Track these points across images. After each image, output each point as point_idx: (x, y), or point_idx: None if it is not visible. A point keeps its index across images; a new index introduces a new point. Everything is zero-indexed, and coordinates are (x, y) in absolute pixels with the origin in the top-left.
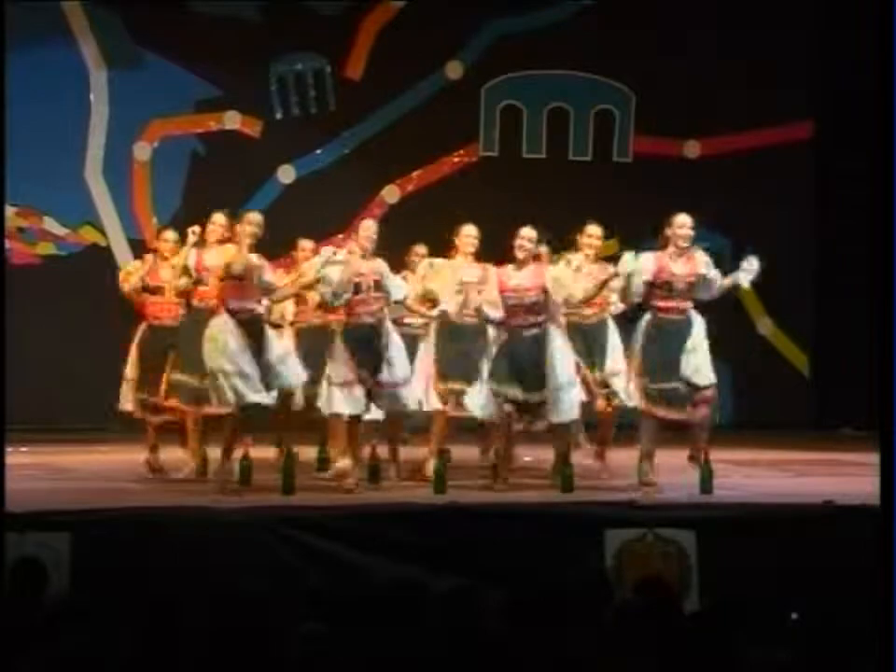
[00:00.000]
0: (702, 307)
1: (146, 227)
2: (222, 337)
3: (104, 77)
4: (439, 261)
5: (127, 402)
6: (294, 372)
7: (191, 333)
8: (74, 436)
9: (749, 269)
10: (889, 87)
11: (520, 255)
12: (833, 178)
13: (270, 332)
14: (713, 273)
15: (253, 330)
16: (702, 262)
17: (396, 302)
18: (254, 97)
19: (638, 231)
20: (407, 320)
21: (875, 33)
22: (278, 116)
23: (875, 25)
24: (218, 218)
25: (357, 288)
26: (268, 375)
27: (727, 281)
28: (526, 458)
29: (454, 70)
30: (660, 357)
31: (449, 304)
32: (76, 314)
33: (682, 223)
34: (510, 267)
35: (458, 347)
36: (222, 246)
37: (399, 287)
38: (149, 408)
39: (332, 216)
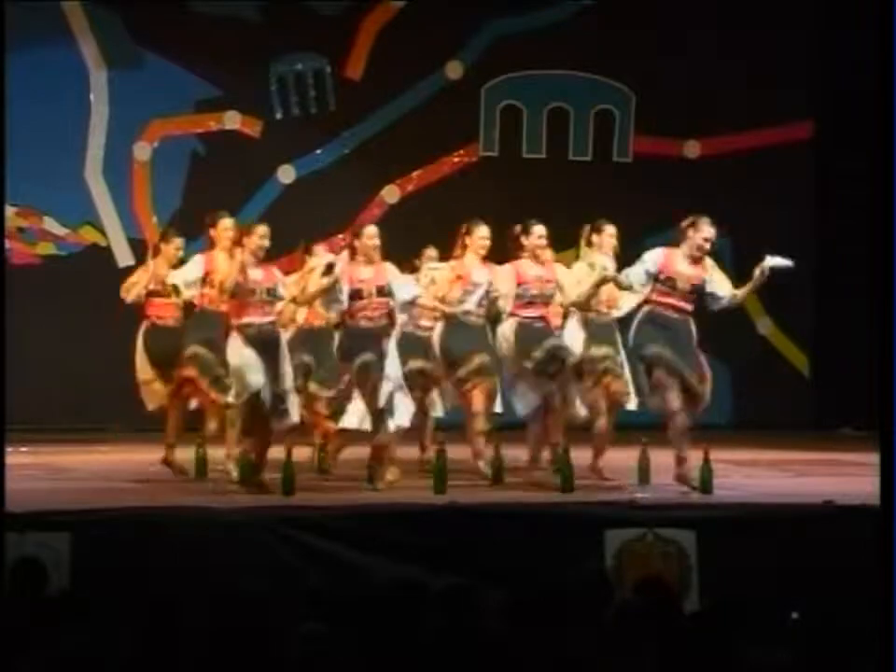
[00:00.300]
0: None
1: (146, 227)
2: (240, 359)
3: (104, 77)
4: (441, 267)
5: (152, 401)
6: (292, 410)
7: (201, 327)
8: (74, 436)
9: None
10: (889, 87)
11: (539, 252)
12: (832, 178)
13: (286, 359)
14: (713, 285)
15: (267, 348)
16: (708, 273)
17: (409, 303)
18: (254, 97)
19: (638, 230)
20: (423, 322)
21: (874, 33)
22: (278, 116)
23: (875, 25)
24: (228, 223)
25: (359, 294)
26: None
27: (743, 290)
28: (526, 459)
29: (454, 70)
30: (654, 342)
31: (470, 303)
32: (76, 314)
33: (709, 235)
34: (525, 261)
35: (466, 339)
36: (230, 257)
37: (409, 288)
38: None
39: (332, 216)
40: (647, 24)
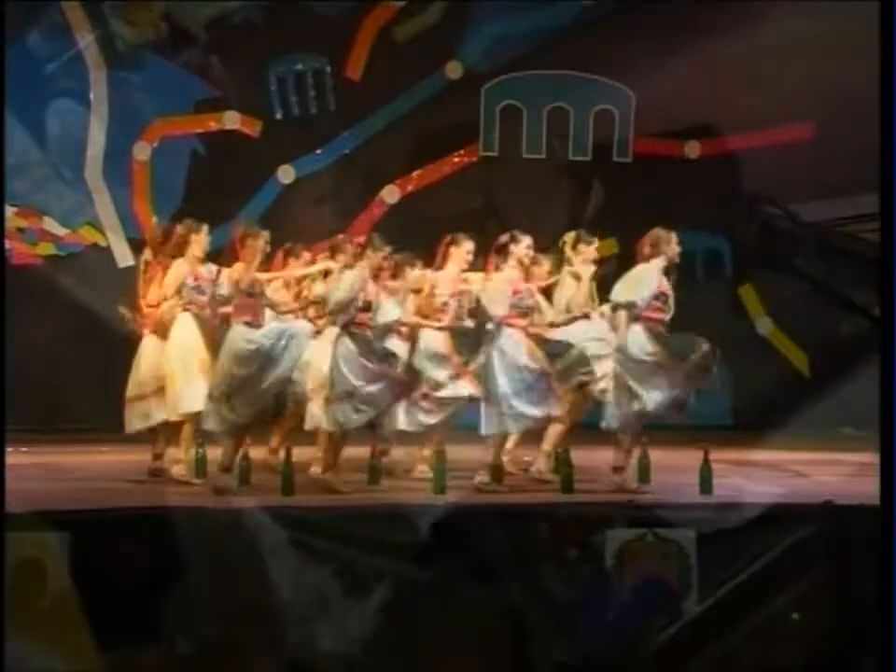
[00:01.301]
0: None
1: (146, 227)
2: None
3: (104, 77)
4: (416, 274)
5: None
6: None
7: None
8: (74, 436)
9: None
10: (889, 87)
11: (526, 261)
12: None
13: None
14: None
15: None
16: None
17: (392, 322)
18: (254, 97)
19: (638, 231)
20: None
21: (874, 33)
22: (278, 116)
23: (875, 25)
24: (205, 229)
25: (368, 306)
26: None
27: None
28: (526, 458)
29: (454, 70)
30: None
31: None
32: (76, 314)
33: (678, 243)
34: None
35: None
36: (237, 263)
37: (391, 308)
38: None
39: (332, 216)
40: (647, 25)
